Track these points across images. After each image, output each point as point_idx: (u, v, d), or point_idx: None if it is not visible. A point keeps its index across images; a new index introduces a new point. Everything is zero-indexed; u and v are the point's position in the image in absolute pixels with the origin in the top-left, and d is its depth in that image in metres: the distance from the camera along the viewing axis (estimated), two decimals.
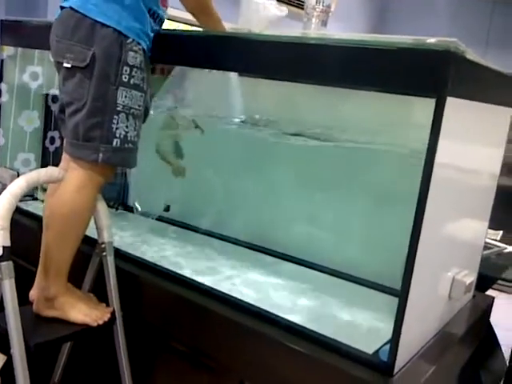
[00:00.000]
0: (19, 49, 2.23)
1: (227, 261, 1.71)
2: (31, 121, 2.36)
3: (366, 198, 1.58)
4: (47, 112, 2.35)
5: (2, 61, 2.22)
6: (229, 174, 1.82)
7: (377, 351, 1.24)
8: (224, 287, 1.52)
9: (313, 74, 1.25)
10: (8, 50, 2.23)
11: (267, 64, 1.28)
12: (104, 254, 1.49)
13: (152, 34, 1.43)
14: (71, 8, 1.35)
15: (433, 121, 1.10)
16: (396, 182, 1.47)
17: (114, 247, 1.52)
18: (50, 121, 2.36)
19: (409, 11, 5.65)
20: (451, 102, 1.10)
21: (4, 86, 2.25)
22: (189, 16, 1.54)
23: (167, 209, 1.94)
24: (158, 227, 1.94)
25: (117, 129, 1.35)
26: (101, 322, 1.42)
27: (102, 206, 1.49)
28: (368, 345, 1.26)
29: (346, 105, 1.37)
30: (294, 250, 1.78)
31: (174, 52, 1.52)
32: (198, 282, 1.53)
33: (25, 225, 1.88)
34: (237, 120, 1.69)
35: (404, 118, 1.33)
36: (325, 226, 1.67)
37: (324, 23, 1.42)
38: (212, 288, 1.50)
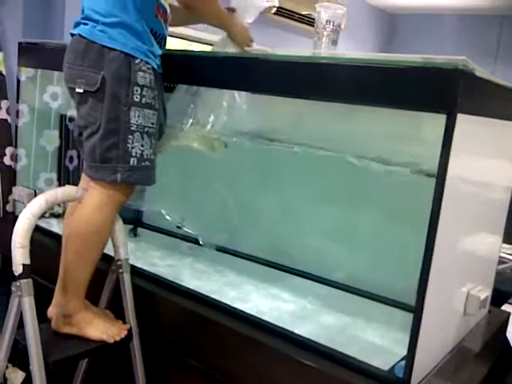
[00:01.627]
0: (39, 70, 2.28)
1: (240, 277, 1.73)
2: (52, 140, 2.41)
3: (381, 214, 1.59)
4: (65, 131, 2.40)
5: (20, 82, 2.27)
6: (241, 189, 1.84)
7: (392, 367, 1.25)
8: (237, 303, 1.53)
9: (327, 92, 1.28)
10: (27, 72, 2.28)
11: (283, 83, 1.31)
12: (120, 271, 1.52)
13: (159, 52, 1.47)
14: (80, 35, 1.39)
15: (444, 137, 1.12)
16: (409, 198, 1.48)
17: (130, 264, 1.54)
18: (68, 140, 2.41)
19: (417, 29, 5.67)
20: (461, 119, 1.11)
21: (25, 107, 2.30)
22: (201, 35, 1.58)
23: (181, 223, 1.95)
24: (169, 242, 1.96)
25: (132, 148, 1.38)
26: (117, 339, 1.43)
27: (118, 224, 1.51)
28: (383, 361, 1.26)
29: (359, 121, 1.38)
30: (306, 265, 1.79)
31: (189, 72, 1.55)
32: (212, 299, 1.55)
33: (43, 242, 1.90)
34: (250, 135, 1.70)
35: (416, 134, 1.35)
36: (339, 242, 1.68)
37: (334, 42, 1.44)
38: (225, 304, 1.52)
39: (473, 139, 1.24)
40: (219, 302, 1.53)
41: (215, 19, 1.57)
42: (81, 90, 1.39)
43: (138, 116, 1.38)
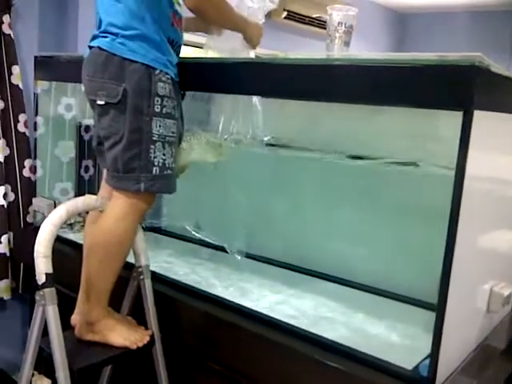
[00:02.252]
0: (53, 82, 2.32)
1: (261, 280, 1.73)
2: (67, 151, 2.45)
3: (400, 213, 1.59)
4: (80, 141, 2.43)
5: (37, 95, 2.30)
6: (259, 193, 1.85)
7: (416, 366, 1.24)
8: (259, 306, 1.54)
9: (342, 94, 1.28)
10: (42, 85, 2.32)
11: (297, 86, 1.32)
12: (141, 277, 1.53)
13: (176, 61, 1.48)
14: (99, 48, 1.41)
15: (461, 134, 1.11)
16: (429, 196, 1.47)
17: (150, 270, 1.56)
18: (83, 150, 2.44)
19: (429, 28, 5.63)
20: (479, 115, 1.11)
21: (40, 119, 2.33)
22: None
23: (198, 228, 1.96)
24: (188, 249, 1.97)
25: (155, 157, 1.40)
26: (140, 345, 1.45)
27: (138, 231, 1.53)
28: (407, 360, 1.25)
29: (373, 122, 1.39)
30: (325, 267, 1.79)
31: (203, 79, 1.56)
32: (233, 303, 1.55)
33: (62, 251, 1.93)
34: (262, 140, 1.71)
35: (432, 132, 1.35)
36: (358, 243, 1.68)
37: (347, 44, 1.44)
38: (247, 307, 1.52)
39: (490, 135, 1.24)
40: (239, 305, 1.54)
41: (230, 26, 1.59)
42: (102, 102, 1.40)
43: (160, 126, 1.40)
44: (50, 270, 1.31)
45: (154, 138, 1.40)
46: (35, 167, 2.36)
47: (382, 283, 1.69)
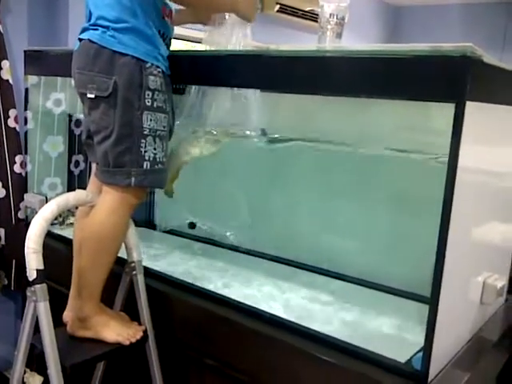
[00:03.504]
0: (42, 77, 2.29)
1: (254, 274, 1.72)
2: (56, 146, 2.42)
3: (393, 205, 1.58)
4: (71, 136, 2.41)
5: (27, 90, 2.28)
6: (251, 187, 1.84)
7: (409, 360, 1.24)
8: (253, 301, 1.53)
9: (334, 87, 1.27)
10: (31, 79, 2.30)
11: (288, 79, 1.31)
12: (134, 272, 1.52)
13: (167, 54, 1.47)
14: (90, 40, 1.39)
15: (453, 125, 1.11)
16: (421, 188, 1.47)
17: (144, 266, 1.55)
18: (73, 145, 2.42)
19: (422, 21, 5.62)
20: (471, 106, 1.10)
21: (29, 114, 2.31)
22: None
23: (192, 226, 1.95)
24: (183, 244, 1.96)
25: (145, 152, 1.39)
26: (133, 341, 1.44)
27: (130, 226, 1.51)
28: (400, 353, 1.25)
29: (365, 113, 1.37)
30: (319, 260, 1.79)
31: (194, 72, 1.55)
32: (227, 298, 1.55)
33: (52, 247, 1.91)
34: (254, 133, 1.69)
35: (424, 123, 1.34)
36: (349, 235, 1.68)
37: (339, 35, 1.43)
38: (241, 302, 1.52)
39: (483, 127, 1.23)
40: (234, 300, 1.53)
41: (217, 7, 1.55)
42: (92, 96, 1.39)
43: (151, 120, 1.39)
44: (41, 266, 1.29)
45: (145, 132, 1.38)
46: (26, 163, 2.33)
47: (373, 276, 1.69)
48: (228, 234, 1.84)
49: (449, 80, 1.10)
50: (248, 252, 1.89)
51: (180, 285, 1.63)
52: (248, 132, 1.65)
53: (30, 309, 1.31)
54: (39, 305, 1.28)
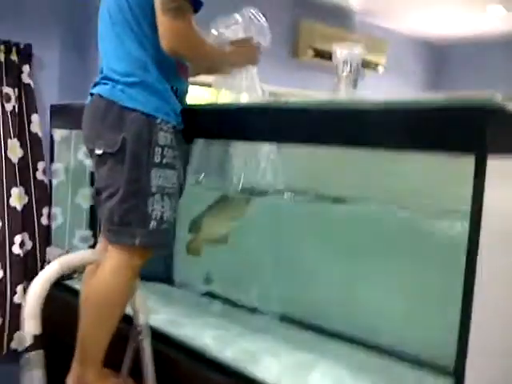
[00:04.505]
0: (73, 130, 2.30)
1: (270, 342, 1.57)
2: (87, 198, 2.41)
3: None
4: None
5: (53, 142, 2.29)
6: (269, 247, 1.72)
7: None
8: (265, 374, 1.39)
9: (345, 138, 1.18)
10: (61, 132, 2.31)
11: (292, 131, 1.23)
12: (140, 337, 1.44)
13: (179, 109, 1.42)
14: (99, 95, 1.36)
15: (474, 182, 0.99)
16: (445, 248, 1.33)
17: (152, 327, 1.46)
18: None
19: (466, 60, 5.48)
20: (493, 160, 0.98)
21: (59, 166, 2.31)
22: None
23: (208, 281, 1.85)
24: (198, 303, 1.85)
25: (153, 210, 1.32)
26: None
27: (137, 287, 1.44)
28: None
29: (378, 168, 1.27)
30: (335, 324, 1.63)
31: (207, 126, 1.49)
32: (241, 371, 1.41)
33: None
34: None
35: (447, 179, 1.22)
36: (366, 297, 1.53)
37: (354, 83, 1.34)
38: (253, 376, 1.39)
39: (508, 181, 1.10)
40: (248, 373, 1.40)
41: (209, 63, 1.53)
42: (100, 152, 1.35)
43: (159, 177, 1.33)
44: (38, 331, 1.23)
45: (153, 190, 1.32)
46: (50, 214, 2.33)
47: (394, 343, 1.51)
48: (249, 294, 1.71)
49: (467, 132, 1.00)
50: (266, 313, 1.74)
51: (191, 352, 1.52)
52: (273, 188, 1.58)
53: (25, 377, 1.24)
54: (33, 373, 1.21)
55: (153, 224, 1.33)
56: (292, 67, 3.86)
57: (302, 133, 1.23)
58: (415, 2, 4.20)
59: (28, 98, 2.32)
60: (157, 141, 1.32)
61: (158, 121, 1.33)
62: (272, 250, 1.70)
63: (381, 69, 4.92)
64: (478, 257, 1.00)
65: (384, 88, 4.30)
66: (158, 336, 1.55)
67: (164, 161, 1.34)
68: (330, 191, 1.60)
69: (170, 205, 1.36)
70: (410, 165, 1.28)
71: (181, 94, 1.44)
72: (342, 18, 4.19)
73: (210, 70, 1.62)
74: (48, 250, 2.26)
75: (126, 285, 1.37)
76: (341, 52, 1.30)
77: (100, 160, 1.36)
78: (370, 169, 1.44)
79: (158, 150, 1.33)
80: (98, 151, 1.35)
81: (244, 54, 1.53)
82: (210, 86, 1.65)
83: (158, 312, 1.72)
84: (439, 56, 5.77)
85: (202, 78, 1.62)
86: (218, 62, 1.50)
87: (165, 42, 1.28)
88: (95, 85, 1.41)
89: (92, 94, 1.40)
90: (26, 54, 2.30)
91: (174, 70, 1.40)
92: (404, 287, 1.43)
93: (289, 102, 1.40)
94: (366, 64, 4.83)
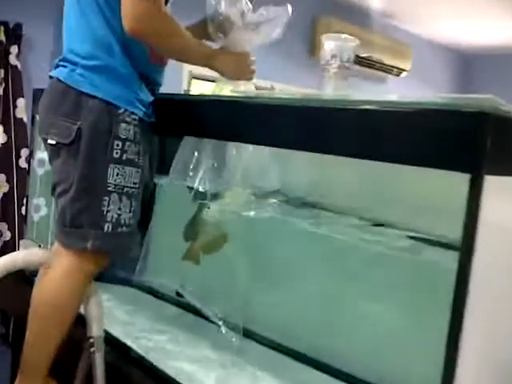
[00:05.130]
0: None
1: (247, 368, 1.39)
2: None
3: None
4: None
5: (33, 129, 2.17)
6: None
7: None
8: None
9: (326, 146, 1.02)
10: None
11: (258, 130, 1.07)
12: (92, 349, 1.29)
13: (150, 99, 1.27)
14: (57, 79, 1.22)
15: (467, 205, 0.82)
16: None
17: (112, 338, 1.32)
18: None
19: (496, 69, 5.25)
20: (491, 181, 0.81)
21: (45, 155, 2.18)
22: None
23: (179, 295, 1.68)
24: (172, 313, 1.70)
25: (108, 211, 1.18)
26: None
27: (94, 296, 1.30)
28: None
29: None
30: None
31: (186, 122, 1.34)
32: None
33: None
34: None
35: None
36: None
37: (344, 80, 1.17)
38: None
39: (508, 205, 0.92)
40: None
41: (184, 58, 1.35)
42: (53, 142, 1.21)
43: (117, 174, 1.19)
44: None
45: (109, 189, 1.18)
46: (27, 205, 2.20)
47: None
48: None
49: (460, 145, 0.83)
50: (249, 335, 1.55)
51: (149, 368, 1.37)
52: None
53: None
54: None
55: (107, 226, 1.18)
56: (310, 66, 3.70)
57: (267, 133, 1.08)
58: (442, 7, 4.03)
59: (14, 81, 2.20)
60: (117, 133, 1.18)
61: (121, 111, 1.19)
62: (248, 264, 1.52)
63: (404, 74, 4.73)
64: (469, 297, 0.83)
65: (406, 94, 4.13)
66: (117, 348, 1.41)
67: (124, 156, 1.19)
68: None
69: (129, 207, 1.21)
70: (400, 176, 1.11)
71: (153, 83, 1.29)
72: (362, 18, 4.02)
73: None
74: (21, 242, 2.13)
75: (76, 290, 1.22)
76: (329, 44, 1.12)
77: (53, 152, 1.23)
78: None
79: (117, 143, 1.18)
80: (51, 141, 1.21)
81: (233, 64, 1.33)
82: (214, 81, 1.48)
83: (121, 321, 1.57)
84: (467, 65, 5.56)
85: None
86: (195, 60, 1.33)
87: (126, 22, 1.13)
88: (55, 67, 1.26)
89: (51, 77, 1.26)
90: (14, 34, 2.18)
91: (145, 55, 1.25)
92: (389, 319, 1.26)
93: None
94: (388, 68, 4.65)
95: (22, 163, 2.22)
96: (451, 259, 0.89)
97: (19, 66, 2.19)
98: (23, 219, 2.21)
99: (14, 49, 2.16)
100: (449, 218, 1.04)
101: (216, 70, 1.32)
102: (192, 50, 1.27)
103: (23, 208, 2.24)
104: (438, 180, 1.03)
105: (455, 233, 0.86)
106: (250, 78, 1.36)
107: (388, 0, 3.92)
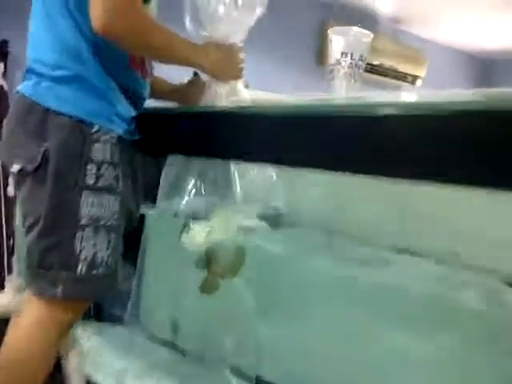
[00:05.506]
0: None
1: None
2: None
3: None
4: None
5: None
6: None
7: None
8: None
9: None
10: None
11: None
12: None
13: (132, 114, 1.09)
14: (23, 94, 1.04)
15: None
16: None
17: None
18: None
19: None
20: None
21: None
22: None
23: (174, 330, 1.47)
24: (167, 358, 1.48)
25: (81, 250, 1.00)
26: None
27: (73, 346, 1.11)
28: None
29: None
30: None
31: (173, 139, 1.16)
32: None
33: None
34: None
35: None
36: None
37: (355, 81, 0.97)
38: None
39: None
40: None
41: (168, 59, 1.13)
42: (17, 167, 1.02)
43: (92, 204, 1.01)
44: None
45: (83, 222, 1.00)
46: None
47: None
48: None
49: None
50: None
51: None
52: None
53: None
54: None
55: (81, 268, 1.00)
56: (318, 75, 3.53)
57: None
58: (457, 11, 3.85)
59: (0, 102, 2.04)
60: (90, 155, 1.00)
61: (95, 129, 1.01)
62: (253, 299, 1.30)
63: (419, 82, 4.54)
64: None
65: None
66: None
67: (100, 182, 1.01)
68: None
69: (106, 242, 1.02)
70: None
71: (136, 96, 1.11)
72: (371, 24, 3.85)
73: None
74: (7, 279, 1.95)
75: (45, 347, 1.03)
76: (337, 40, 0.92)
77: (19, 179, 1.04)
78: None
79: (91, 167, 1.00)
80: (16, 167, 1.02)
81: (222, 61, 1.15)
82: None
83: (107, 365, 1.37)
84: (483, 70, 5.36)
85: None
86: (181, 56, 1.13)
87: (96, 21, 0.95)
88: (23, 79, 1.09)
89: (18, 93, 1.08)
90: (1, 52, 2.03)
91: (123, 62, 1.07)
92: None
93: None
94: (401, 76, 4.47)
95: (11, 192, 2.05)
96: None
97: (5, 86, 2.03)
98: (12, 251, 2.05)
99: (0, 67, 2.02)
100: None
101: (201, 67, 1.14)
102: (175, 44, 1.08)
103: (12, 239, 2.08)
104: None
105: None
106: (239, 77, 1.18)
107: (398, 4, 3.75)
